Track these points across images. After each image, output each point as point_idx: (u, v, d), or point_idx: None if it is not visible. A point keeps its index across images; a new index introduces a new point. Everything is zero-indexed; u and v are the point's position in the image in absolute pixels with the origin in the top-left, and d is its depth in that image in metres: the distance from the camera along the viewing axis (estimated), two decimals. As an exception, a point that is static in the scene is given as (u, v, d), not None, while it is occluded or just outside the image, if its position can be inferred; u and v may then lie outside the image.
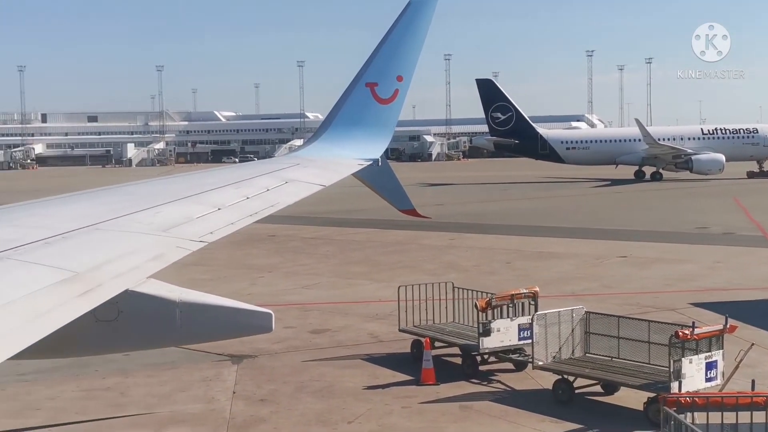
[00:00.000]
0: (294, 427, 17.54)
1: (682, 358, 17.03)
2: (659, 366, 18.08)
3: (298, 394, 19.74)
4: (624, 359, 19.34)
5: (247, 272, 37.35)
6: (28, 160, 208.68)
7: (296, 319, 27.18)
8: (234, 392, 20.01)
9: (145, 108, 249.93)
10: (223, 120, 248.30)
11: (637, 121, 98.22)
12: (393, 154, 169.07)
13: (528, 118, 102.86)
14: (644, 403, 17.52)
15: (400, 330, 23.37)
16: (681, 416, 12.70)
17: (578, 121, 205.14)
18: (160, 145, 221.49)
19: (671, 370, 17.08)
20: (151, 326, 7.48)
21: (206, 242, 8.88)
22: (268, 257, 41.93)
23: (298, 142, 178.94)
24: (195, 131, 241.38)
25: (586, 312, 20.43)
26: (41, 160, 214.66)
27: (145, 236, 8.48)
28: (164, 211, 9.70)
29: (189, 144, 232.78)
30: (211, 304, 7.72)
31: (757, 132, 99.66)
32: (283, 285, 34.36)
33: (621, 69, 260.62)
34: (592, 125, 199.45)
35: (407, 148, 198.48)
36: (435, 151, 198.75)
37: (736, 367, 17.58)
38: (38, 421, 18.22)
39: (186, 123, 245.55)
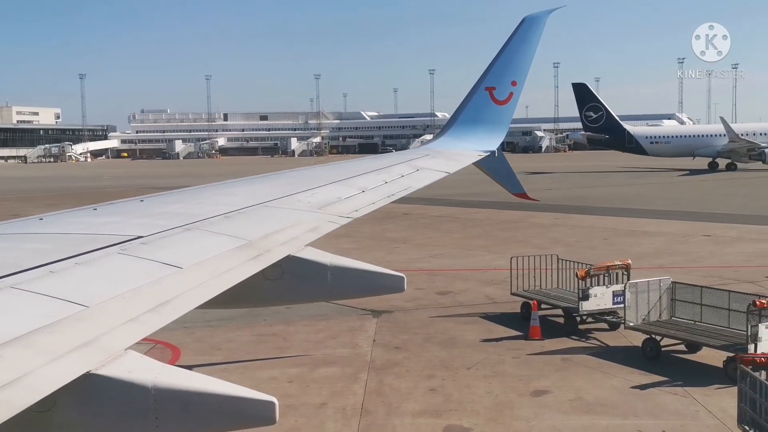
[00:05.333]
0: (422, 370, 17.67)
1: (759, 324, 16.29)
2: (738, 330, 17.32)
3: (426, 344, 19.86)
4: (706, 323, 18.62)
5: (385, 243, 37.70)
6: (213, 151, 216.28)
7: (425, 282, 27.29)
8: (374, 340, 20.30)
9: (305, 109, 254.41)
10: (368, 119, 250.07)
11: (722, 119, 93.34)
12: (508, 146, 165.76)
13: (617, 117, 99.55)
14: (723, 362, 16.86)
15: (512, 293, 23.16)
16: (756, 374, 12.14)
17: (669, 119, 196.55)
18: (317, 139, 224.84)
19: (748, 334, 16.36)
20: (308, 284, 7.65)
21: (352, 218, 9.03)
22: (402, 231, 42.17)
23: (429, 136, 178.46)
24: (345, 128, 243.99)
25: (673, 282, 19.75)
26: (223, 151, 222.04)
27: (304, 212, 8.69)
28: (319, 192, 9.91)
29: (340, 138, 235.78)
30: (355, 268, 7.85)
31: None
32: (414, 254, 34.51)
33: (709, 74, 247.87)
34: (683, 122, 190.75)
35: (520, 142, 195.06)
36: (544, 144, 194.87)
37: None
38: (219, 358, 19.00)
39: (338, 121, 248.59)
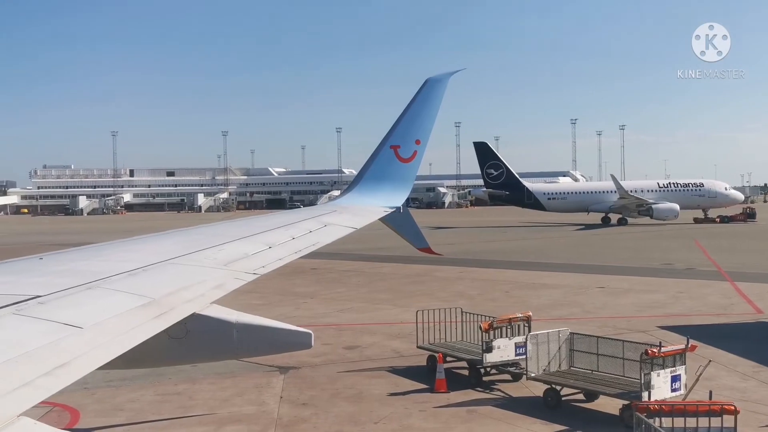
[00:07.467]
0: (330, 426, 17.36)
1: (652, 372, 16.78)
2: (632, 378, 17.80)
3: (334, 399, 19.58)
4: (603, 372, 19.07)
5: (292, 298, 37.28)
6: (118, 207, 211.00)
7: (332, 337, 27.04)
8: (281, 397, 19.87)
9: (212, 164, 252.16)
10: (276, 174, 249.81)
11: (613, 176, 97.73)
12: (413, 202, 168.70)
13: (516, 174, 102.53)
14: (620, 410, 17.24)
15: (417, 347, 23.19)
16: (650, 421, 12.46)
17: (564, 176, 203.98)
18: (224, 195, 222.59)
19: (642, 382, 16.83)
20: (213, 343, 7.43)
21: (259, 275, 8.86)
22: (309, 286, 41.86)
23: (336, 192, 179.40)
24: (252, 184, 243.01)
25: (571, 333, 20.20)
26: (129, 207, 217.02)
27: (210, 269, 8.48)
28: (226, 248, 9.72)
29: (248, 194, 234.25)
30: (262, 325, 7.68)
31: (703, 186, 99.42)
32: (322, 309, 34.24)
33: (599, 134, 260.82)
34: (576, 179, 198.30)
35: (424, 198, 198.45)
36: (447, 200, 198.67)
37: (696, 380, 17.29)
38: (121, 419, 18.16)
39: (245, 177, 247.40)
